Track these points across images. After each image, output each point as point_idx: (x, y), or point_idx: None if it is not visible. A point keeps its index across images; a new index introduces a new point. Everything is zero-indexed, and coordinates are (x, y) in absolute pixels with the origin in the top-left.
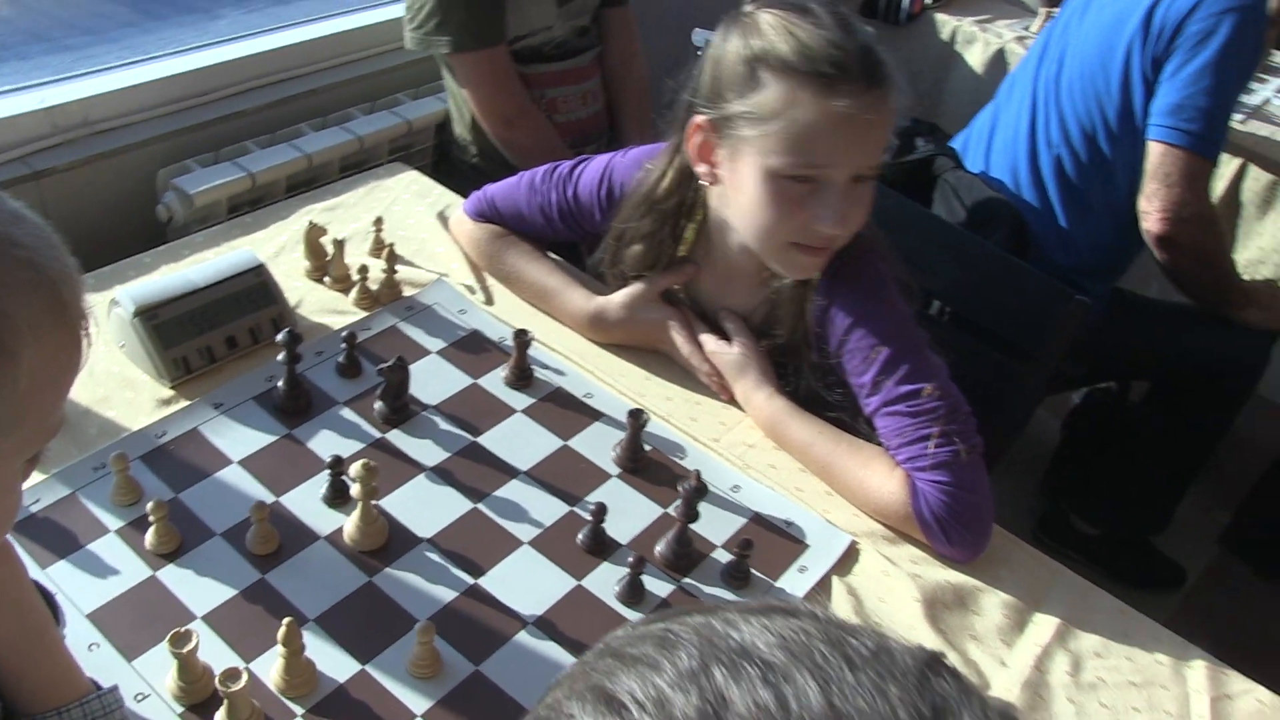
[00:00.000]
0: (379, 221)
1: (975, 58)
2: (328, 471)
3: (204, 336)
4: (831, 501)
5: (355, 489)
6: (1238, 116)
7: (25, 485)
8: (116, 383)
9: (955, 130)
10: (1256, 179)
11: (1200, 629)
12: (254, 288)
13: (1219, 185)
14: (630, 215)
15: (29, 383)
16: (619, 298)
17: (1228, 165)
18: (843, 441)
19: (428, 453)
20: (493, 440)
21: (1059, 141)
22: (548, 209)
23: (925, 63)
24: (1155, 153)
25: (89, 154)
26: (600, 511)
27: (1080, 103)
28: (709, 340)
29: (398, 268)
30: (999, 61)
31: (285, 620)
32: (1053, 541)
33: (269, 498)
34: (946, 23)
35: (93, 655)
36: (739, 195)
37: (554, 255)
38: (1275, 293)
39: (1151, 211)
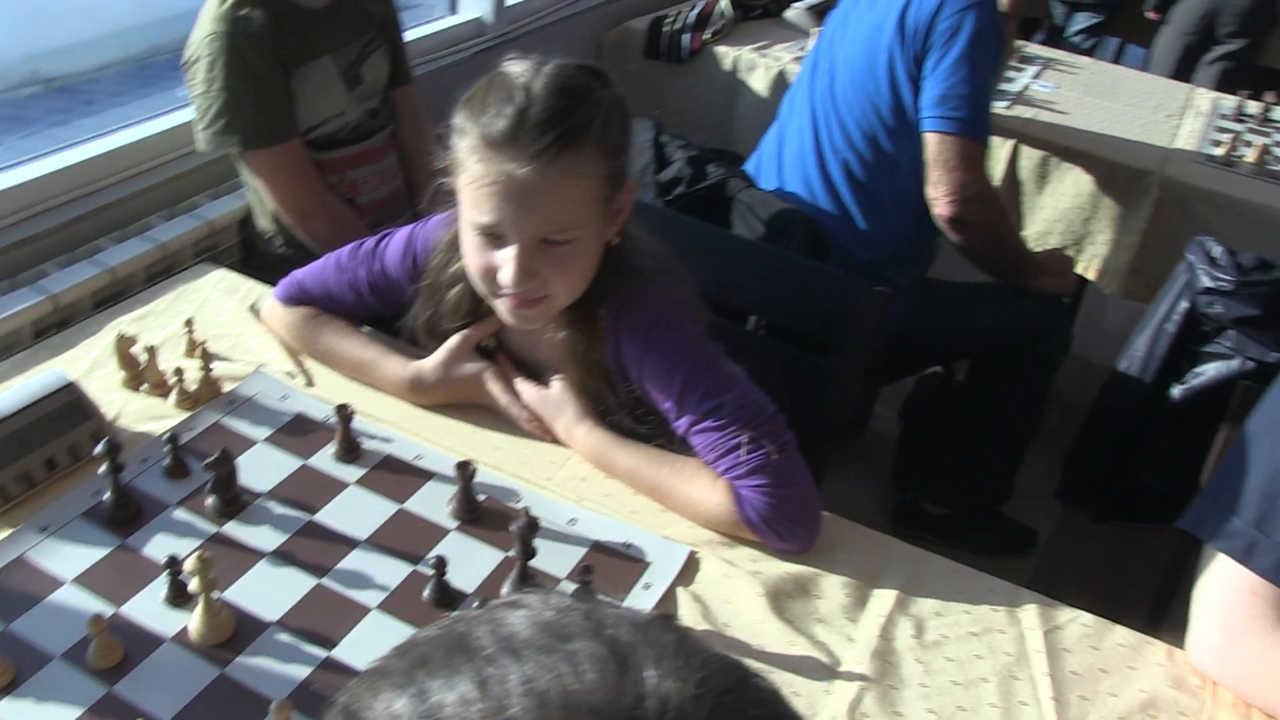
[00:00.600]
0: (189, 322)
1: (759, 83)
2: (165, 573)
3: (20, 463)
4: (667, 518)
5: (194, 584)
6: (1004, 102)
7: None
8: None
9: (749, 154)
10: (1029, 157)
11: (1059, 581)
12: (66, 406)
13: (998, 168)
14: (436, 269)
15: None
16: (433, 359)
17: (1002, 148)
18: (666, 462)
19: (265, 538)
20: (329, 515)
21: (844, 147)
22: (357, 285)
23: (713, 94)
24: (932, 143)
25: None
26: (440, 564)
27: (856, 108)
28: (524, 387)
29: (214, 364)
30: (781, 83)
31: None
32: (909, 529)
33: (108, 610)
34: (727, 54)
35: None
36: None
37: (368, 328)
38: (1063, 259)
39: (939, 197)
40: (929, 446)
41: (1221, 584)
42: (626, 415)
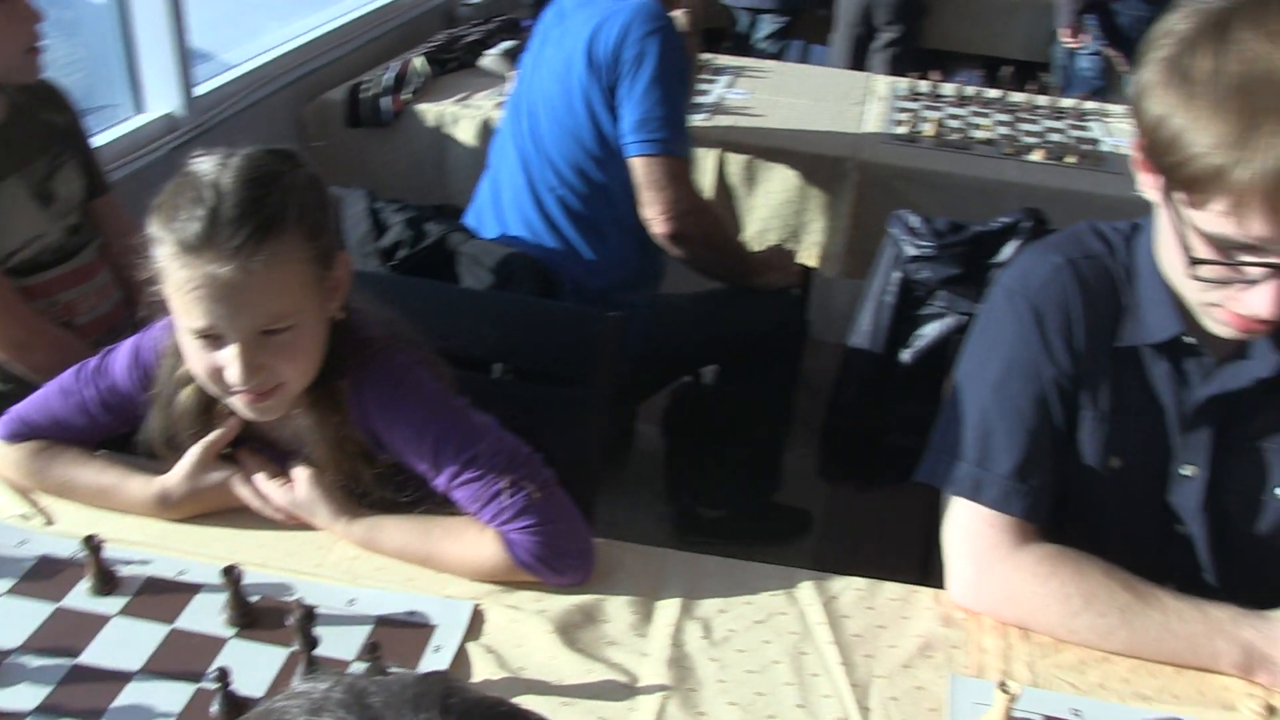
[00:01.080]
0: None
1: (465, 134)
2: None
3: None
4: (446, 578)
5: None
6: (702, 115)
7: None
8: None
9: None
10: (735, 163)
11: (838, 555)
12: None
13: (706, 178)
14: (165, 376)
15: None
16: (177, 472)
17: (707, 158)
18: (433, 529)
19: (25, 697)
20: (95, 654)
21: (556, 183)
22: (87, 406)
23: (422, 153)
24: (638, 166)
25: None
26: (223, 675)
27: (561, 144)
28: (272, 491)
29: None
30: (487, 131)
31: None
32: (692, 537)
33: None
34: (429, 111)
35: None
36: None
37: (104, 451)
38: (784, 253)
39: (654, 217)
40: (695, 454)
41: (962, 523)
42: (386, 487)
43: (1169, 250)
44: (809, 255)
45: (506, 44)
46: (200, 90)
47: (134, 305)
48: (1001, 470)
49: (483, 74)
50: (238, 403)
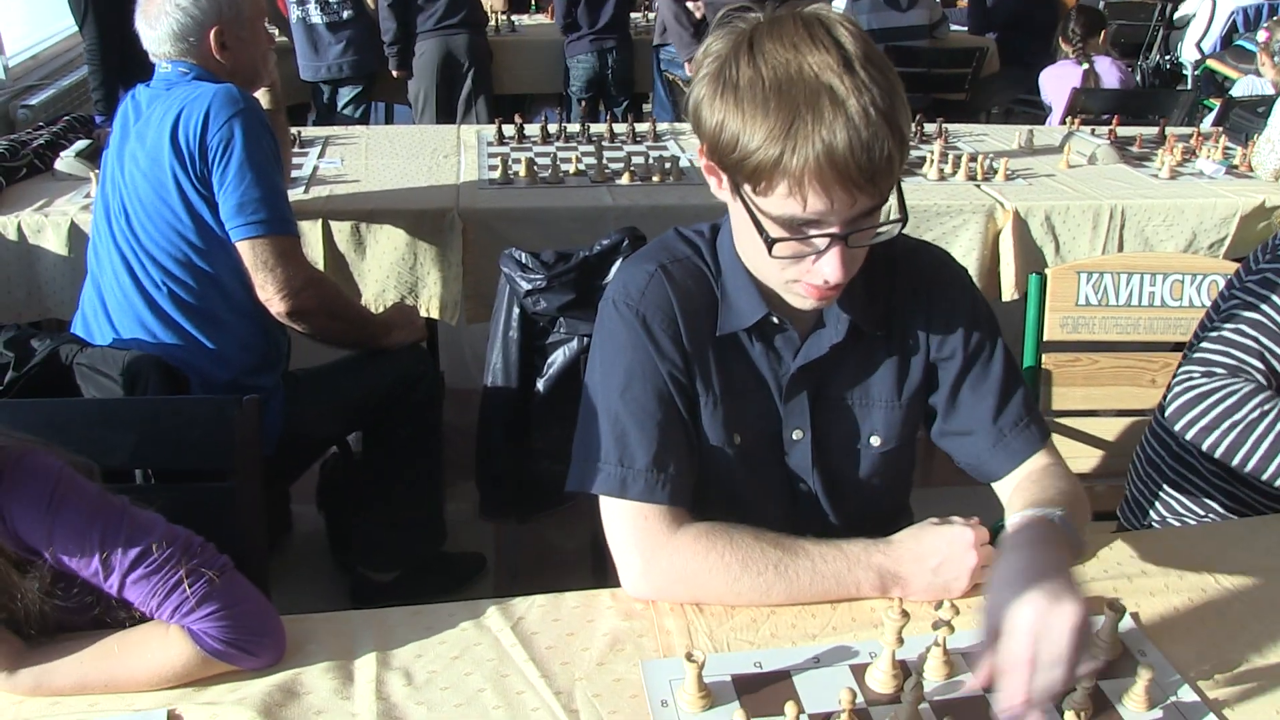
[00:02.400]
0: None
1: (54, 242)
2: None
3: None
4: (131, 694)
5: None
6: (299, 188)
7: None
8: None
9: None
10: (341, 230)
11: (517, 586)
12: None
13: (316, 249)
14: None
15: None
16: None
17: (313, 230)
18: (109, 648)
19: None
20: None
21: (163, 279)
22: None
23: (10, 268)
24: (245, 250)
25: None
26: None
27: (161, 239)
28: None
29: None
30: (78, 235)
31: None
32: (369, 604)
33: None
34: (7, 223)
35: None
36: None
37: None
38: (407, 310)
39: (271, 297)
40: (355, 522)
41: (618, 520)
42: (51, 603)
43: (746, 241)
44: (430, 307)
45: (82, 143)
46: None
47: None
48: (641, 465)
49: (60, 177)
50: None
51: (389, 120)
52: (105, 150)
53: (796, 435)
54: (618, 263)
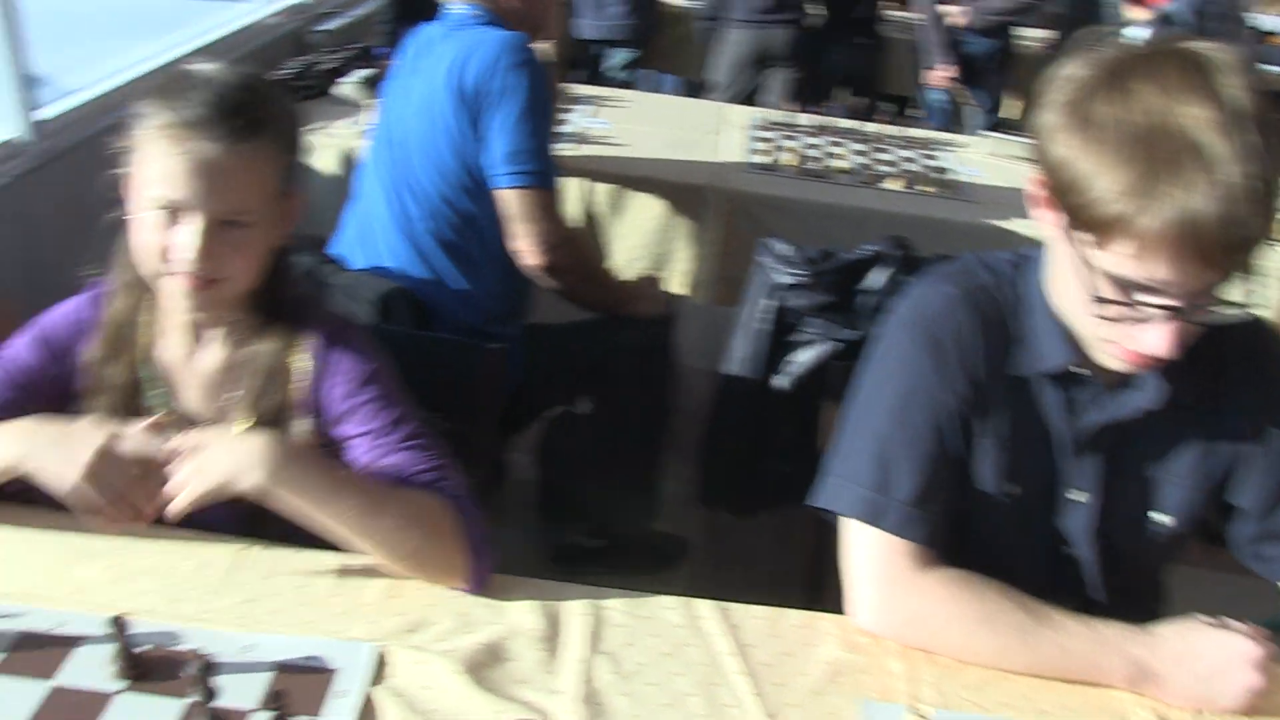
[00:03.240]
0: None
1: (325, 163)
2: None
3: None
4: (347, 619)
5: None
6: (565, 144)
7: None
8: None
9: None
10: (601, 192)
11: (716, 581)
12: None
13: (573, 207)
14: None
15: None
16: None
17: (573, 187)
18: (380, 486)
19: None
20: None
21: (427, 214)
22: None
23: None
24: (508, 199)
25: None
26: None
27: (430, 175)
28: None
29: None
30: (348, 159)
31: None
32: (571, 568)
33: None
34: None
35: None
36: None
37: None
38: (651, 280)
39: (525, 250)
40: (569, 484)
41: (862, 548)
42: None
43: (1066, 284)
44: (676, 283)
45: (363, 72)
46: (43, 115)
47: None
48: (901, 496)
49: (339, 102)
50: (177, 289)
51: (655, 90)
52: (385, 81)
53: (1078, 497)
54: (879, 270)
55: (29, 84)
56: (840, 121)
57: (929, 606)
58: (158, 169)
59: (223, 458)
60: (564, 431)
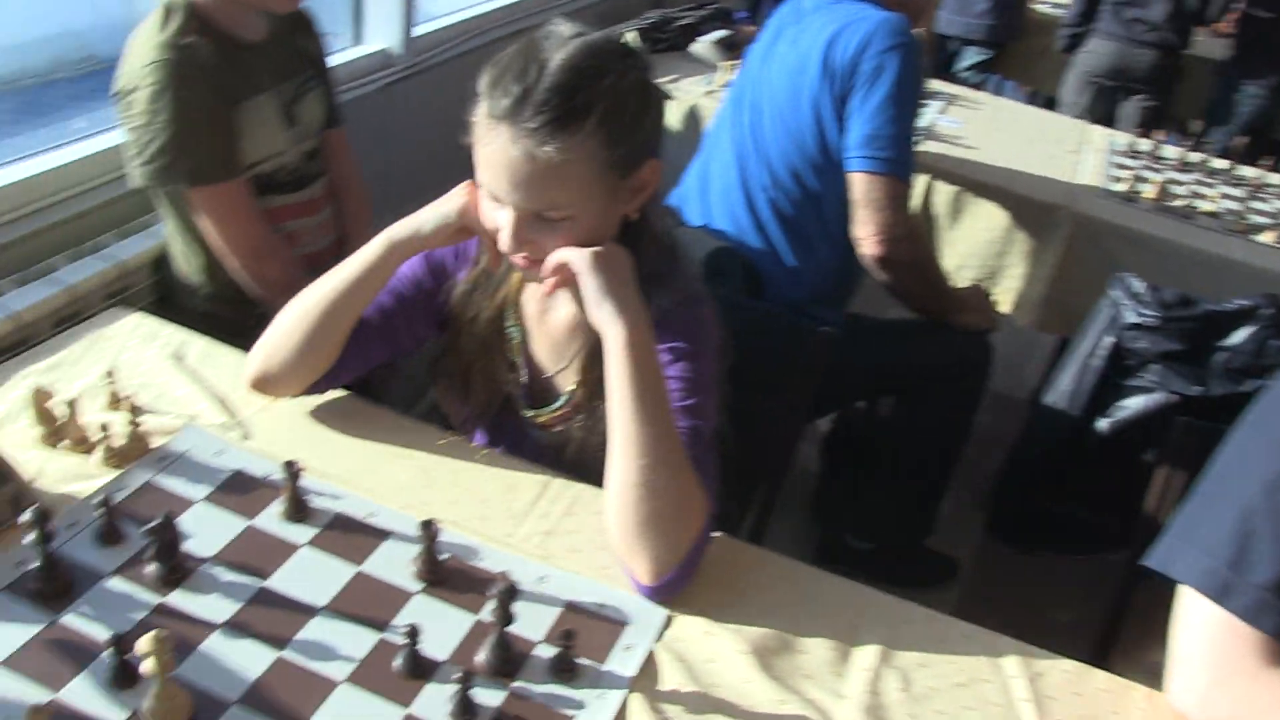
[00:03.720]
0: (111, 373)
1: (671, 117)
2: (109, 652)
3: None
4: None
5: (147, 665)
6: (915, 138)
7: None
8: None
9: (666, 190)
10: (942, 192)
11: (982, 611)
12: None
13: (913, 202)
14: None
15: None
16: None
17: (916, 183)
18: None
19: (216, 608)
20: (283, 581)
21: (769, 184)
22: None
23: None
24: (858, 182)
25: None
26: (414, 633)
27: (782, 145)
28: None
29: (141, 418)
30: (693, 117)
31: None
32: (833, 564)
33: (44, 696)
34: None
35: None
36: None
37: None
38: (982, 294)
39: (866, 237)
40: (851, 482)
41: (1199, 626)
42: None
43: None
44: (1004, 300)
45: (720, 33)
46: (418, 31)
47: (345, 249)
48: (1259, 579)
49: (692, 60)
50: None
51: (998, 95)
52: (751, 45)
53: None
54: (1245, 329)
55: (410, 1)
56: (1215, 161)
57: (1267, 710)
58: (479, 154)
59: (609, 265)
60: (857, 427)
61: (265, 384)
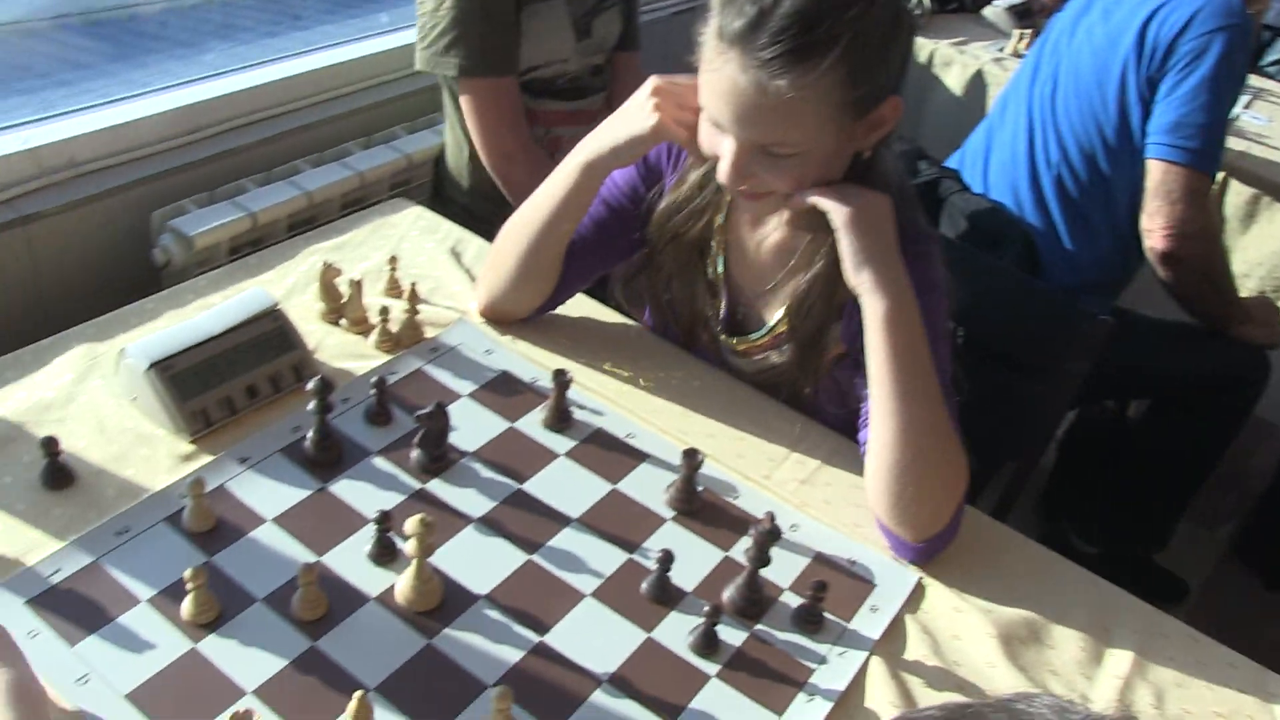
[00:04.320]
0: (394, 260)
1: (954, 79)
2: (374, 528)
3: (223, 387)
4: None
5: (409, 546)
6: None
7: (42, 555)
8: (131, 439)
9: (939, 153)
10: (1238, 193)
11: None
12: (272, 333)
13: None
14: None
15: None
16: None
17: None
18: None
19: (473, 503)
20: (538, 486)
21: (1058, 160)
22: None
23: (905, 84)
24: (1156, 170)
25: (77, 197)
26: (667, 559)
27: (1077, 122)
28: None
29: (419, 307)
30: (978, 82)
31: (357, 694)
32: None
33: (309, 557)
34: (924, 45)
35: None
36: None
37: None
38: (1272, 307)
39: (1155, 229)
40: (1086, 481)
41: None
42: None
43: None
44: None
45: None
46: None
47: None
48: None
49: (984, 24)
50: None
51: None
52: (1059, 14)
53: None
54: None
55: None
56: None
57: None
58: (704, 77)
59: (874, 224)
60: (1102, 427)
61: (492, 311)
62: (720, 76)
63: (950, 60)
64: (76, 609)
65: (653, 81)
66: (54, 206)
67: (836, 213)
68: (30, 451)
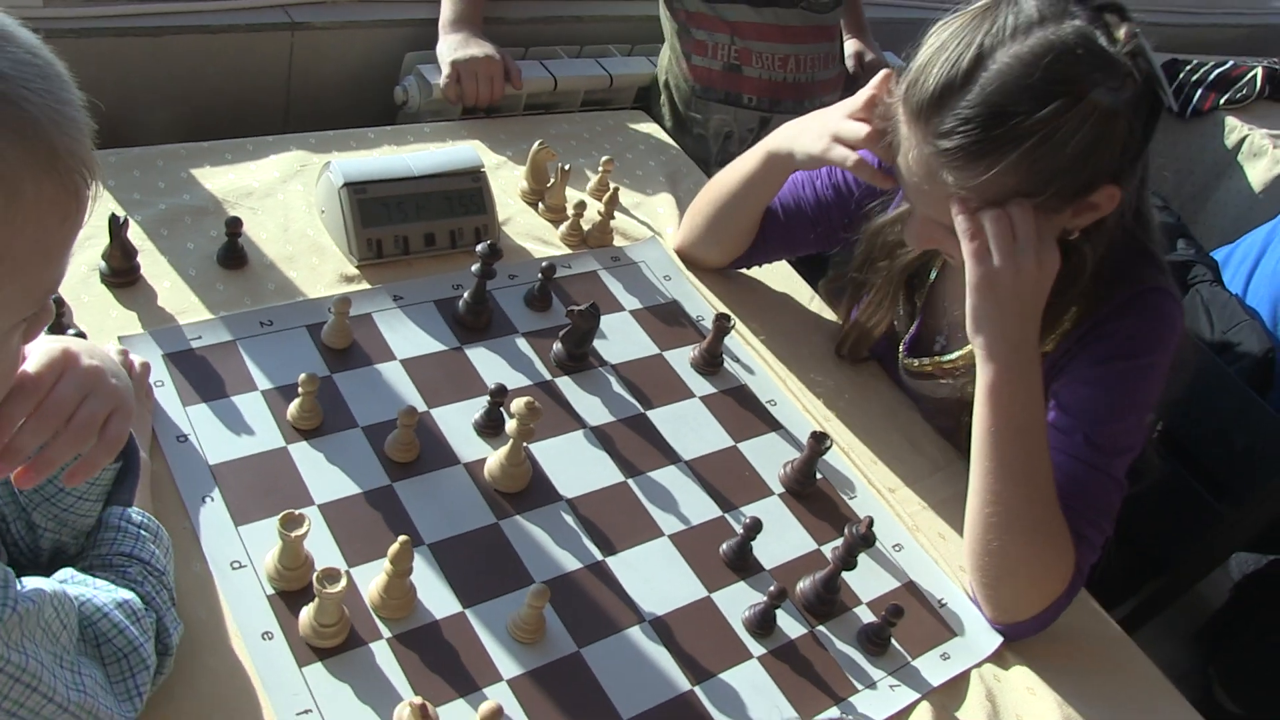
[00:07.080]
0: (609, 162)
1: (1256, 172)
2: (488, 399)
3: (404, 225)
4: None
5: (511, 425)
6: None
7: (193, 319)
8: (306, 245)
9: (1209, 242)
10: None
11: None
12: (468, 191)
13: None
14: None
15: (4, 238)
16: None
17: None
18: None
19: (593, 410)
20: (662, 418)
21: None
22: (801, 199)
23: (1199, 162)
24: None
25: (346, 19)
26: (754, 527)
27: None
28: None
29: (615, 215)
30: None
31: (401, 538)
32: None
33: (421, 405)
34: (1236, 128)
35: (204, 507)
36: None
37: None
38: None
39: None
40: (1253, 635)
41: None
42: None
43: None
44: None
45: None
46: None
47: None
48: None
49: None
50: None
51: None
52: None
53: None
54: None
55: None
56: None
57: None
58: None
59: (1006, 289)
60: None
61: (685, 255)
62: (902, 136)
63: (1261, 151)
64: (201, 376)
65: (866, 93)
66: (323, 21)
67: (970, 271)
68: (218, 227)
